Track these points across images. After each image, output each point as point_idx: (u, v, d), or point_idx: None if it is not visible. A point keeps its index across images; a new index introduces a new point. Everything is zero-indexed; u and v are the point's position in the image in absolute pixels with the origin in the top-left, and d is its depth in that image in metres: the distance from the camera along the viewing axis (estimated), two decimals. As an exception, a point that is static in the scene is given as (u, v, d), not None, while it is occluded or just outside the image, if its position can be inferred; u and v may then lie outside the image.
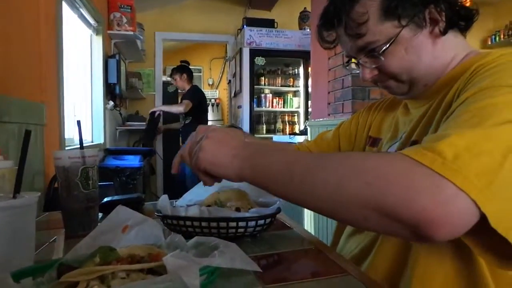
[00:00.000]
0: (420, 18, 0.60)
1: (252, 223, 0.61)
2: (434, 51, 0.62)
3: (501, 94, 0.45)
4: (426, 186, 0.38)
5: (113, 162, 2.71)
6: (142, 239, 0.48)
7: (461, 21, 0.63)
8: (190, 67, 3.95)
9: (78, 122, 0.78)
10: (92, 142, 2.90)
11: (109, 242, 0.46)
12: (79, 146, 0.78)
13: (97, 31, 2.95)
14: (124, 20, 3.18)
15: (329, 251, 0.55)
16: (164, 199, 0.68)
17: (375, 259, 0.62)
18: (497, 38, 5.05)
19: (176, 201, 0.81)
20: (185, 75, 3.73)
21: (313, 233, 0.78)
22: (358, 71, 0.70)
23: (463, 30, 0.66)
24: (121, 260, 0.42)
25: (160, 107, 3.88)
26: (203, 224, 0.61)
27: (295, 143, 0.99)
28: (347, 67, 0.72)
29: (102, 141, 2.97)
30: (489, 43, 5.16)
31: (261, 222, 0.61)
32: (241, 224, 0.60)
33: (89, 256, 0.41)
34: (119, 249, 0.45)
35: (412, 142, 0.63)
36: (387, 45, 0.60)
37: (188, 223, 0.62)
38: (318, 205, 0.45)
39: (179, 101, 3.95)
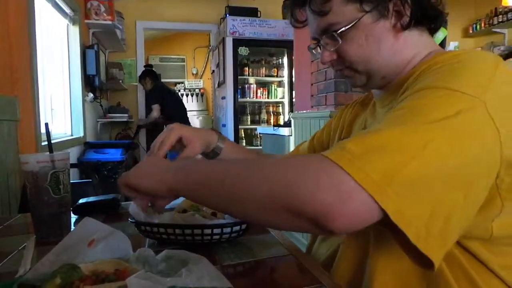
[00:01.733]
0: (384, 7, 0.59)
1: (228, 230, 0.59)
2: (395, 45, 0.62)
3: (436, 96, 0.45)
4: (328, 181, 0.39)
5: (93, 156, 2.65)
6: (109, 253, 0.46)
7: (427, 20, 0.63)
8: (173, 56, 4.05)
9: (46, 125, 0.74)
10: (71, 135, 2.83)
11: (74, 258, 0.44)
12: (68, 139, 0.74)
13: (73, 21, 2.85)
14: (102, 8, 3.09)
15: (304, 258, 0.54)
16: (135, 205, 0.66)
17: (339, 264, 0.62)
18: (478, 27, 5.11)
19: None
20: (147, 79, 4.05)
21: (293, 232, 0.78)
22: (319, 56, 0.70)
23: (431, 30, 0.66)
24: (84, 279, 0.40)
25: (142, 123, 4.32)
26: (177, 231, 0.59)
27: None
28: (313, 50, 0.72)
29: (82, 134, 2.90)
30: (470, 31, 5.22)
31: (236, 228, 0.60)
32: (216, 231, 0.59)
33: (50, 276, 0.39)
34: (84, 265, 0.43)
35: None
36: (347, 27, 0.60)
37: (162, 230, 0.60)
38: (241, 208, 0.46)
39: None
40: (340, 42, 0.62)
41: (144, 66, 4.34)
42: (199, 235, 0.59)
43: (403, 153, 0.40)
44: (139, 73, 4.51)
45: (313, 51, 0.71)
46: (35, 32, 1.88)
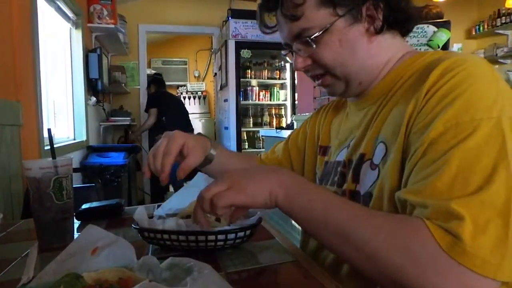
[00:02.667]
0: (357, 11, 0.59)
1: (232, 236, 0.59)
2: (369, 49, 0.62)
3: (473, 133, 0.45)
4: (451, 279, 0.41)
5: (96, 160, 2.65)
6: (113, 261, 0.45)
7: (399, 23, 0.63)
8: (175, 59, 4.08)
9: (49, 130, 0.74)
10: (74, 139, 2.83)
11: (77, 267, 0.44)
12: (71, 143, 0.74)
13: (76, 25, 2.86)
14: (105, 12, 3.09)
15: (310, 265, 0.53)
16: (140, 211, 0.66)
17: (346, 269, 0.61)
18: (481, 28, 5.10)
19: (156, 209, 0.78)
20: (152, 86, 4.21)
21: (299, 236, 0.77)
22: (292, 61, 0.69)
23: (404, 33, 0.66)
24: (88, 288, 0.39)
25: (136, 132, 4.32)
26: (181, 237, 0.59)
27: (258, 154, 0.99)
28: (286, 57, 0.71)
29: (84, 138, 2.91)
30: (473, 33, 5.21)
31: (241, 234, 0.59)
32: (220, 237, 0.58)
33: (53, 286, 0.39)
34: (88, 274, 0.42)
35: (360, 155, 0.63)
36: (320, 32, 0.60)
37: (165, 236, 0.59)
38: (342, 255, 0.48)
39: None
40: (314, 47, 0.61)
41: (154, 74, 4.51)
42: (203, 242, 0.59)
43: (495, 221, 0.42)
44: (141, 76, 4.52)
45: (287, 58, 0.71)
46: (38, 37, 1.89)
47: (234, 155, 0.93)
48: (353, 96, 0.71)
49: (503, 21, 4.72)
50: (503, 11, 4.70)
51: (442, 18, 2.52)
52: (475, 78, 0.49)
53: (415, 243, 0.43)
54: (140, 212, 0.65)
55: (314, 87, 2.49)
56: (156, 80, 4.24)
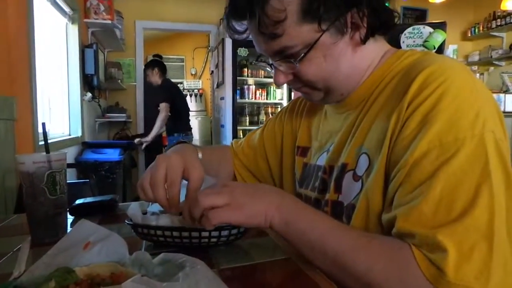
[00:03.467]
0: (341, 22, 0.55)
1: (225, 233, 0.59)
2: (353, 60, 0.60)
3: (457, 153, 0.46)
4: None
5: (91, 156, 2.64)
6: (105, 256, 0.45)
7: (382, 27, 0.60)
8: (172, 56, 3.89)
9: (43, 125, 0.74)
10: (69, 135, 2.82)
11: (69, 261, 0.44)
12: (66, 138, 0.73)
13: (72, 20, 2.84)
14: (102, 8, 3.08)
15: (303, 262, 0.54)
16: (134, 207, 0.65)
17: None
18: (476, 30, 5.13)
19: (150, 205, 0.78)
20: (156, 69, 3.61)
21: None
22: (269, 70, 0.66)
23: (384, 34, 0.63)
24: (79, 283, 0.39)
25: (148, 138, 3.73)
26: (175, 234, 0.58)
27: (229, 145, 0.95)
28: (258, 64, 0.68)
29: (80, 134, 2.89)
30: (469, 35, 5.24)
31: (234, 231, 0.60)
32: (213, 234, 0.58)
33: (45, 280, 0.39)
34: (79, 269, 0.42)
35: (342, 164, 0.62)
36: (305, 52, 0.56)
37: (159, 232, 0.59)
38: (339, 281, 0.49)
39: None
40: (297, 66, 0.58)
41: (153, 56, 3.83)
42: (197, 238, 0.59)
43: (479, 245, 0.43)
44: (138, 72, 4.49)
45: (262, 66, 0.67)
46: (33, 31, 1.87)
47: (212, 152, 0.88)
48: (332, 103, 0.69)
49: (498, 23, 4.75)
50: (499, 13, 4.73)
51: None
52: (456, 92, 0.49)
53: (408, 275, 0.45)
54: (133, 208, 0.65)
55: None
56: (160, 64, 3.67)
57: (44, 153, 0.71)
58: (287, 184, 0.82)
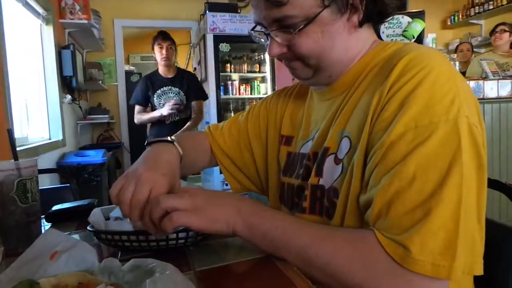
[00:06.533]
0: (342, 1, 0.58)
1: (192, 233, 0.58)
2: (347, 42, 0.61)
3: (431, 136, 0.47)
4: (404, 285, 0.45)
5: (73, 159, 2.59)
6: (73, 265, 0.44)
7: (378, 15, 0.62)
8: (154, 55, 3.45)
9: (9, 131, 0.71)
10: (49, 139, 2.75)
11: (35, 272, 0.42)
12: (37, 145, 0.71)
13: (46, 21, 2.76)
14: (77, 7, 3.00)
15: (281, 261, 0.53)
16: (96, 212, 0.64)
17: None
18: (455, 19, 5.20)
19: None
20: (174, 47, 2.82)
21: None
22: (263, 41, 0.66)
23: (376, 23, 0.65)
24: (43, 295, 0.38)
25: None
26: (141, 237, 0.57)
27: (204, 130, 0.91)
28: (252, 35, 0.67)
29: (60, 137, 2.83)
30: (448, 23, 5.31)
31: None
32: (181, 235, 0.57)
33: (6, 294, 0.37)
34: (46, 280, 0.41)
35: (324, 148, 0.63)
36: (305, 23, 0.57)
37: (124, 237, 0.57)
38: (308, 273, 0.50)
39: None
40: (294, 36, 0.59)
41: (159, 32, 2.87)
42: (164, 241, 0.57)
43: (446, 225, 0.44)
44: (119, 72, 4.42)
45: (257, 36, 0.67)
46: (4, 34, 1.81)
47: (188, 142, 0.80)
48: (318, 85, 0.70)
49: (477, 11, 4.82)
50: (477, 1, 4.80)
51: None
52: (434, 78, 0.51)
53: (373, 261, 0.47)
54: (95, 214, 0.63)
55: (293, 79, 2.49)
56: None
57: (13, 160, 0.69)
58: (272, 173, 0.81)
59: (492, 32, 3.54)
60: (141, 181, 0.54)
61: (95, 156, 2.68)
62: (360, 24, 0.61)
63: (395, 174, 0.47)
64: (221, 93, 4.30)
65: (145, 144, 0.72)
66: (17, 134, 1.87)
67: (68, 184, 1.53)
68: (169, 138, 0.70)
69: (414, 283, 0.44)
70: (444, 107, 0.49)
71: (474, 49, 4.92)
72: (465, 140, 0.47)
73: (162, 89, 2.70)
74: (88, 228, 0.61)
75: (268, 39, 0.63)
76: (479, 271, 0.46)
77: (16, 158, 0.70)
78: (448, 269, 0.43)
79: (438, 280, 0.44)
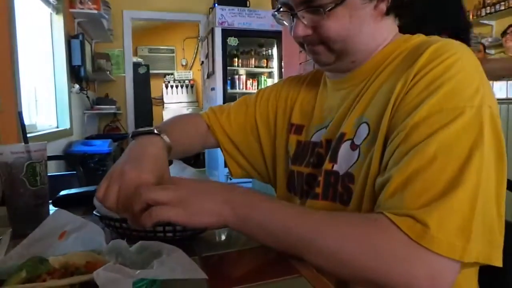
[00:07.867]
0: None
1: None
2: (374, 30, 0.62)
3: (455, 120, 0.47)
4: (421, 273, 0.43)
5: (80, 148, 2.61)
6: (81, 245, 0.44)
7: (403, 7, 0.62)
8: (162, 47, 3.72)
9: (19, 114, 0.72)
10: (57, 127, 2.78)
11: (44, 251, 0.43)
12: (45, 132, 0.72)
13: (57, 10, 2.78)
14: (87, -3, 3.01)
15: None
16: None
17: None
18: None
19: None
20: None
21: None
22: (286, 24, 0.65)
23: (400, 17, 0.65)
24: (52, 272, 0.38)
25: None
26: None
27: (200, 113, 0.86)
28: (276, 16, 0.66)
29: (68, 126, 2.85)
30: (459, 23, 5.24)
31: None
32: (178, 228, 0.56)
33: (17, 269, 0.38)
34: (55, 258, 0.41)
35: (340, 134, 0.62)
36: (335, 5, 0.57)
37: (125, 225, 0.57)
38: (310, 261, 0.48)
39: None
40: (323, 18, 0.58)
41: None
42: (161, 232, 0.56)
43: (462, 206, 0.44)
44: (127, 64, 4.43)
45: (280, 19, 0.66)
46: (15, 21, 1.83)
47: (179, 128, 0.78)
48: (337, 72, 0.68)
49: (488, 11, 4.76)
50: (488, 1, 4.73)
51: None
52: (461, 65, 0.51)
53: (384, 242, 0.45)
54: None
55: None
56: None
57: (23, 143, 0.70)
58: (279, 161, 0.79)
59: (504, 33, 3.50)
60: (125, 183, 0.53)
61: (102, 146, 2.70)
62: (387, 12, 0.61)
63: (415, 154, 0.47)
64: (228, 87, 4.31)
65: (130, 136, 0.69)
66: (26, 121, 1.88)
67: (75, 171, 1.55)
68: (155, 130, 0.66)
69: (431, 264, 0.43)
70: (469, 94, 0.49)
71: (486, 51, 4.87)
72: (487, 128, 0.48)
73: None
74: (94, 212, 0.62)
75: (293, 21, 0.62)
76: (498, 262, 0.45)
77: (26, 141, 0.71)
78: (462, 250, 0.43)
79: (451, 262, 0.43)
